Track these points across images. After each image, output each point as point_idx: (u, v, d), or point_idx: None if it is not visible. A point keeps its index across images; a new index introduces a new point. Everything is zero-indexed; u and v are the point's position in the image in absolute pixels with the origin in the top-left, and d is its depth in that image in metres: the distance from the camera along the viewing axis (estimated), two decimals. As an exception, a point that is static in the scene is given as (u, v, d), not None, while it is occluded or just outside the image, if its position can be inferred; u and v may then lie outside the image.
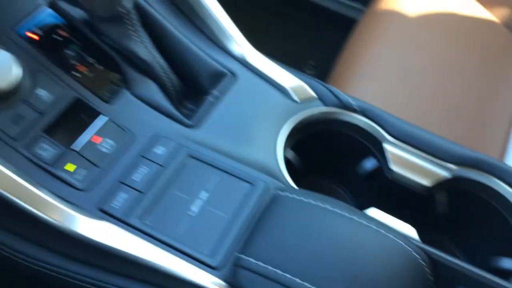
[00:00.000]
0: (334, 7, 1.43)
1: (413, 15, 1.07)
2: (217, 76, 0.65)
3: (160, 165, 0.55)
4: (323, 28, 1.44)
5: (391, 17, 1.07)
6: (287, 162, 0.62)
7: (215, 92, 0.63)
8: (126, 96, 0.59)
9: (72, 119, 0.56)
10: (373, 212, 0.55)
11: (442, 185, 0.63)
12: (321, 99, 0.66)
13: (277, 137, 0.61)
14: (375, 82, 0.94)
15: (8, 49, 0.54)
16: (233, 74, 0.65)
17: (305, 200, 0.51)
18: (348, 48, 1.05)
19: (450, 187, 0.64)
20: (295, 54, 1.44)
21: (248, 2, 1.42)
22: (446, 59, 1.01)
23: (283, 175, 0.58)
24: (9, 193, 0.47)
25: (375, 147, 0.65)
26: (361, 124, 0.65)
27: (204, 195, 0.53)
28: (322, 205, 0.50)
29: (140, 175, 0.54)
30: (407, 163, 0.63)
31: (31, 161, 0.51)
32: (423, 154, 0.64)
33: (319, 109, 0.65)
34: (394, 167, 0.63)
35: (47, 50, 0.58)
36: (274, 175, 0.58)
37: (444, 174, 0.63)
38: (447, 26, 1.07)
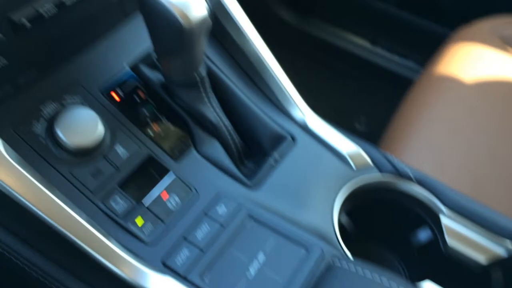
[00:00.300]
0: (389, 66, 1.46)
1: (471, 80, 1.07)
2: (278, 139, 0.68)
3: (221, 224, 0.58)
4: (376, 85, 1.47)
5: (448, 80, 1.08)
6: (341, 226, 0.64)
7: (275, 154, 0.66)
8: (193, 155, 0.63)
9: (143, 175, 0.60)
10: (428, 286, 0.55)
11: (497, 263, 0.63)
12: (377, 165, 0.68)
13: (333, 203, 0.63)
14: (429, 147, 0.94)
15: (94, 107, 0.60)
16: (293, 138, 0.68)
17: (360, 272, 0.52)
18: (403, 109, 1.06)
19: (506, 265, 0.63)
20: (347, 108, 1.47)
21: (304, 57, 1.47)
22: (503, 127, 1.00)
23: (338, 242, 0.59)
24: (85, 244, 0.51)
25: (430, 218, 0.65)
26: (417, 195, 0.66)
27: (261, 257, 0.56)
28: (378, 279, 0.51)
29: (202, 232, 0.57)
30: (463, 238, 0.63)
31: (105, 213, 0.56)
32: (479, 229, 0.63)
33: (375, 176, 0.67)
34: (449, 241, 0.63)
35: (127, 109, 0.63)
36: (329, 241, 0.59)
37: (500, 251, 0.62)
38: (505, 92, 1.07)
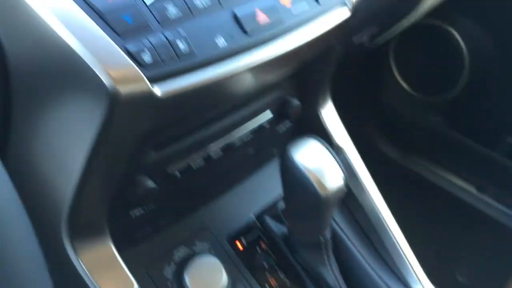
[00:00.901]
0: (497, 216, 1.38)
1: None
2: (393, 310, 0.65)
3: None
4: (481, 234, 1.38)
5: None
6: None
7: (391, 329, 0.63)
8: (306, 317, 0.62)
9: (256, 333, 0.59)
10: None
11: None
12: None
13: None
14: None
15: (219, 255, 0.61)
16: (410, 311, 0.65)
17: None
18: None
19: None
20: (449, 255, 1.39)
21: (405, 194, 1.44)
22: None
23: None
24: None
25: None
26: None
27: None
28: None
29: None
30: None
31: None
32: None
33: None
34: None
35: (248, 259, 0.64)
36: None
37: None
38: None
